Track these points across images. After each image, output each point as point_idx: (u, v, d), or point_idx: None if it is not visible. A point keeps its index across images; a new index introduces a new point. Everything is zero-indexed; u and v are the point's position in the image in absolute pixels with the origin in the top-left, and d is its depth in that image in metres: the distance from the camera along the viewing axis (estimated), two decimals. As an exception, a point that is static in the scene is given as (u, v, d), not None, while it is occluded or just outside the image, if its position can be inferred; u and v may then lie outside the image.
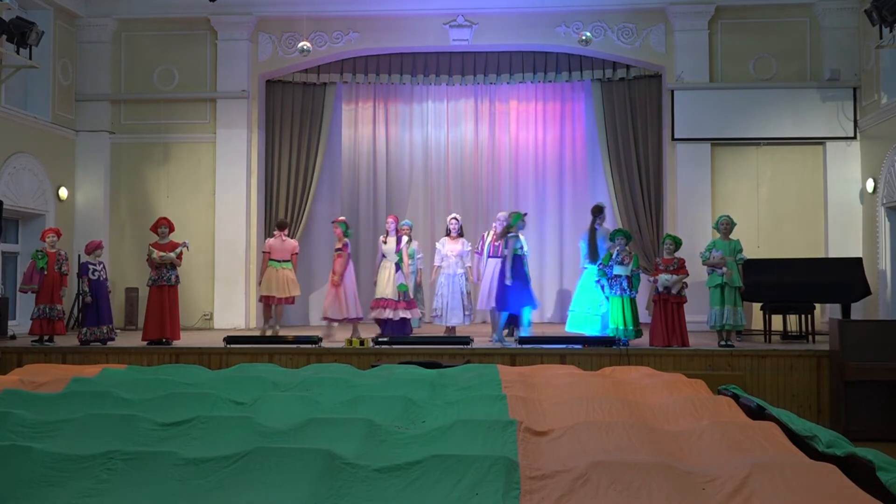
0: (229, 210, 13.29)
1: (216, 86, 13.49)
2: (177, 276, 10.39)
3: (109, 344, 10.19)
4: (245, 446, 4.46)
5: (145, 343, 10.14)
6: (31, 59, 11.68)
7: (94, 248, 10.49)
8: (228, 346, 9.79)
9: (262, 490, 4.00)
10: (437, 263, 11.08)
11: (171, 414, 5.49)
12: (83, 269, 10.33)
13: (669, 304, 9.61)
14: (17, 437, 4.94)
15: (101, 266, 10.52)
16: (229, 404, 6.01)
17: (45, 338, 10.27)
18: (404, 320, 10.76)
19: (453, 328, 10.86)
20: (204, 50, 13.60)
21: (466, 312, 10.83)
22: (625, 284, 9.72)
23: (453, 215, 11.33)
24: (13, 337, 11.02)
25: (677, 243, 9.91)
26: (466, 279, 10.87)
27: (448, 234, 11.09)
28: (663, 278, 9.61)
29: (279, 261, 11.12)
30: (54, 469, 4.22)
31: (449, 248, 10.94)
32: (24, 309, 12.53)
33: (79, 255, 13.11)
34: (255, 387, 6.69)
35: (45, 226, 12.67)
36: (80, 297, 10.33)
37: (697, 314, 12.52)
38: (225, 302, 13.21)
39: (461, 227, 11.16)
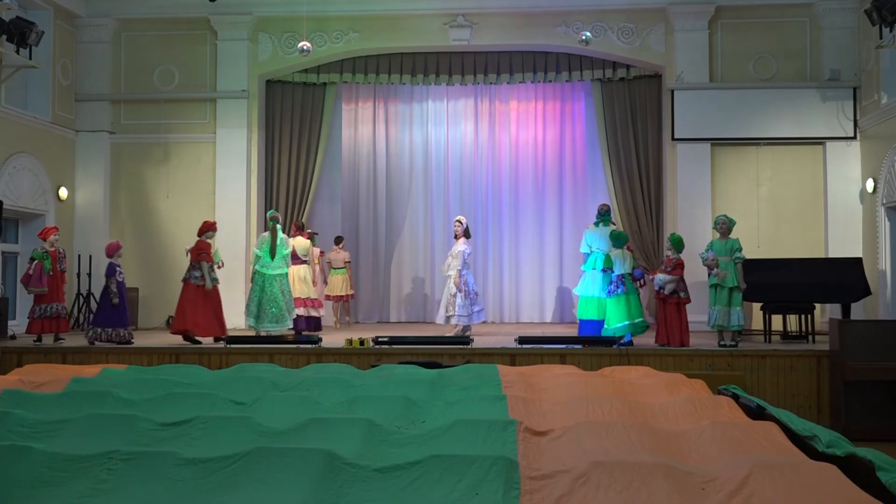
0: (229, 210, 13.27)
1: (216, 86, 13.49)
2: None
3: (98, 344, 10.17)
4: (245, 446, 4.46)
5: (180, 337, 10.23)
6: (31, 59, 11.68)
7: (115, 250, 10.44)
8: (228, 346, 9.79)
9: (262, 490, 4.00)
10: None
11: (171, 414, 5.49)
12: (111, 271, 10.24)
13: (668, 304, 9.65)
14: (17, 437, 4.94)
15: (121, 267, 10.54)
16: (229, 404, 6.01)
17: (58, 337, 10.25)
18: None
19: (462, 328, 10.79)
20: (204, 50, 13.60)
21: (447, 313, 10.76)
22: (617, 282, 9.92)
23: (456, 217, 11.31)
24: (13, 337, 11.01)
25: (673, 243, 9.93)
26: (452, 281, 10.74)
27: (455, 236, 11.07)
28: (659, 278, 9.69)
29: (337, 268, 13.13)
30: (54, 469, 4.22)
31: (453, 250, 10.95)
32: (25, 309, 12.52)
33: (78, 255, 13.14)
34: (255, 387, 6.68)
35: (45, 226, 12.68)
36: (108, 298, 10.15)
37: (699, 314, 12.54)
38: (225, 302, 13.13)
39: (466, 229, 11.08)
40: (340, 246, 13.39)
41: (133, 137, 13.64)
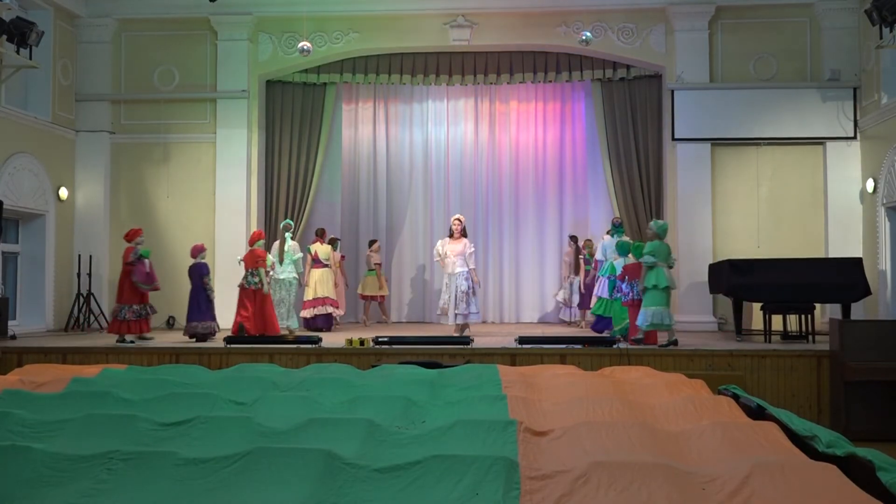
0: (229, 210, 13.27)
1: (216, 86, 13.49)
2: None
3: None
4: (245, 446, 4.46)
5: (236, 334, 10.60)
6: (31, 59, 11.68)
7: (200, 251, 10.97)
8: (228, 346, 9.79)
9: (262, 490, 4.00)
10: (436, 260, 11.28)
11: (171, 414, 5.49)
12: (205, 270, 10.91)
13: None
14: (17, 437, 4.94)
15: None
16: (229, 404, 6.01)
17: (148, 336, 10.52)
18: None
19: (460, 327, 10.84)
20: (204, 50, 13.59)
21: (457, 311, 10.80)
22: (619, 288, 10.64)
23: (456, 216, 11.31)
24: (13, 337, 11.00)
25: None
26: (465, 279, 10.81)
27: (451, 234, 11.07)
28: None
29: (370, 269, 13.71)
30: (54, 469, 4.22)
31: (449, 249, 10.92)
32: (26, 309, 12.53)
33: (79, 255, 13.14)
34: (255, 387, 6.68)
35: (45, 226, 12.75)
36: (204, 295, 10.77)
37: (697, 314, 12.56)
38: (225, 302, 13.14)
39: (464, 228, 11.12)
40: (372, 248, 13.80)
41: (133, 137, 13.64)
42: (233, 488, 4.04)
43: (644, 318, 9.52)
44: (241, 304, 10.81)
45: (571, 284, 13.27)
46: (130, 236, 10.77)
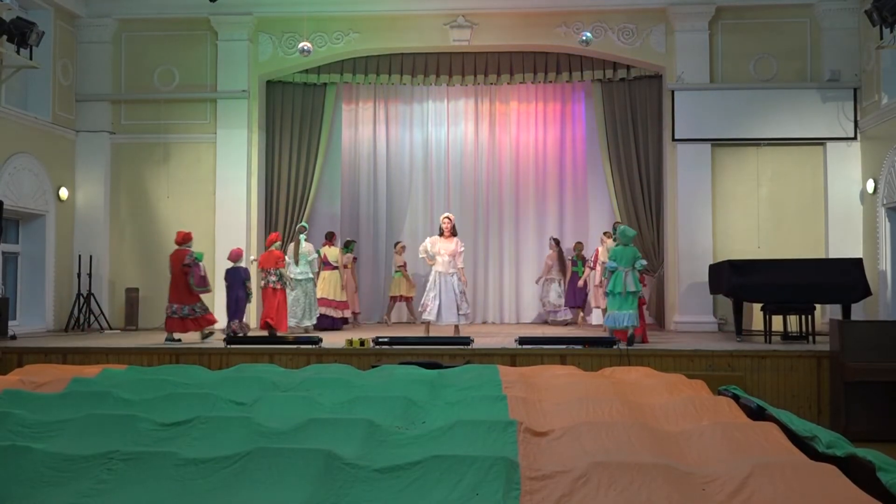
0: (229, 210, 13.27)
1: (216, 86, 13.48)
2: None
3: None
4: (245, 446, 4.46)
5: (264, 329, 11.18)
6: (31, 59, 11.69)
7: (239, 256, 11.23)
8: (228, 346, 9.79)
9: (262, 490, 4.01)
10: (421, 256, 11.15)
11: (171, 414, 5.49)
12: (246, 274, 11.20)
13: None
14: (17, 437, 4.94)
15: None
16: (229, 404, 6.01)
17: (176, 338, 10.59)
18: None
19: (457, 327, 10.85)
20: (204, 50, 13.59)
21: (461, 312, 10.79)
22: None
23: (446, 214, 11.23)
24: (13, 337, 11.00)
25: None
26: (459, 279, 10.78)
27: (441, 233, 10.98)
28: None
29: (396, 270, 13.98)
30: (54, 469, 4.22)
31: (441, 248, 10.80)
32: (26, 309, 12.53)
33: (79, 256, 13.13)
34: (255, 387, 6.68)
35: (45, 226, 12.74)
36: (247, 297, 11.11)
37: (697, 315, 12.55)
38: (225, 302, 13.16)
39: (454, 227, 11.05)
40: (396, 249, 14.06)
41: (133, 137, 13.63)
42: (233, 488, 4.04)
43: (606, 319, 10.06)
44: (265, 304, 11.24)
45: (555, 283, 13.53)
46: (183, 239, 10.81)
